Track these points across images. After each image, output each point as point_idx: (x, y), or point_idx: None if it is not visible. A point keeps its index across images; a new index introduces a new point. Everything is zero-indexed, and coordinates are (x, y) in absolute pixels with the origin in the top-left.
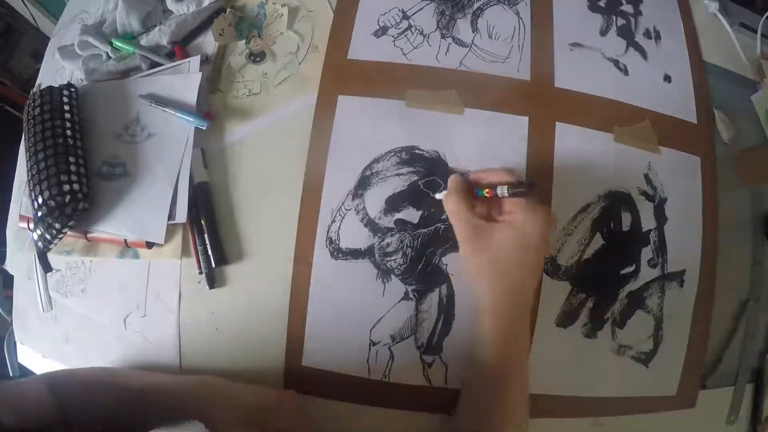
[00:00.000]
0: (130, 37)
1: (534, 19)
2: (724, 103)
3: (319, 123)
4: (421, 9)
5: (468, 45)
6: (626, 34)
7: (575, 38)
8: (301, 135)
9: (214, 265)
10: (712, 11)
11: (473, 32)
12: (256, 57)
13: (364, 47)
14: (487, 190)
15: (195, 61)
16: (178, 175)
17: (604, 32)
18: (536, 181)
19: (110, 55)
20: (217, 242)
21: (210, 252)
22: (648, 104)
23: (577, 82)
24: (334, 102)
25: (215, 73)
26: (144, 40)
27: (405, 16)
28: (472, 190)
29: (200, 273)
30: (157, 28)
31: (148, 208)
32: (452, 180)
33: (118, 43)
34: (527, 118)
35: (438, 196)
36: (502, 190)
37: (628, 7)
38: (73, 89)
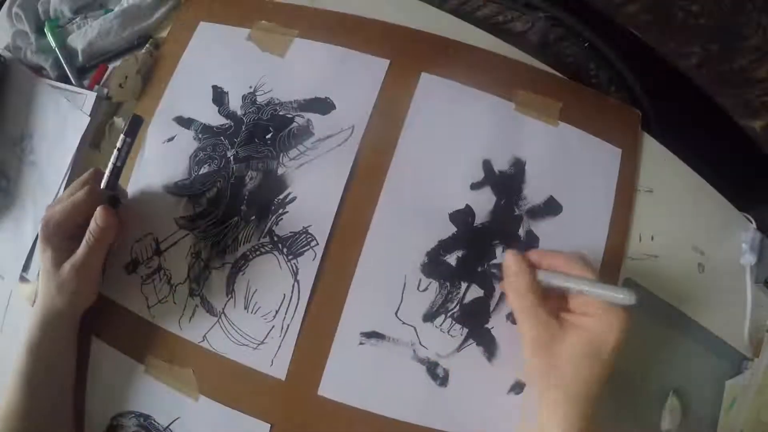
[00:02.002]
0: (56, 23)
1: (317, 286)
2: (687, 380)
3: None
4: (176, 243)
5: (217, 314)
6: (474, 317)
7: (375, 324)
8: None
9: None
10: (743, 263)
11: (227, 295)
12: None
13: (115, 286)
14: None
15: (90, 98)
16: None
17: (431, 314)
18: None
19: (32, 40)
20: None
21: None
22: None
23: (353, 393)
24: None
25: (98, 130)
26: (71, 38)
27: (157, 251)
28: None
29: None
30: (83, 30)
31: (10, 243)
32: (513, 259)
33: (48, 33)
34: (268, 426)
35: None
36: (580, 287)
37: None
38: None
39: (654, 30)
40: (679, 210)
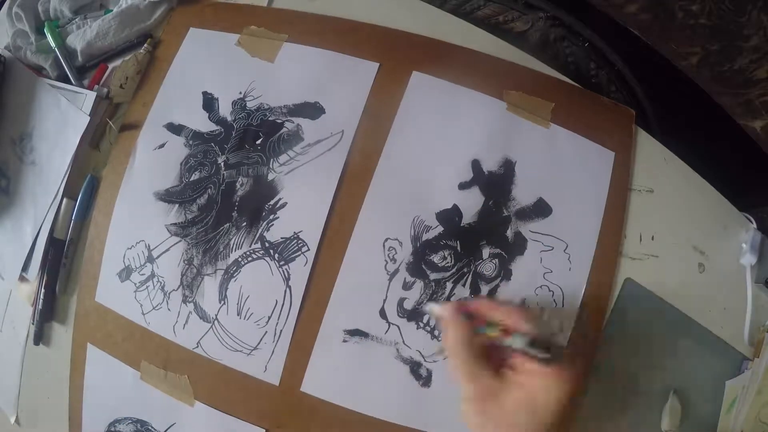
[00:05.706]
0: (56, 24)
1: (308, 291)
2: (687, 380)
3: None
4: (168, 250)
5: (210, 320)
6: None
7: (359, 322)
8: None
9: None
10: (743, 263)
11: (220, 302)
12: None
13: (109, 293)
14: (496, 331)
15: (90, 98)
16: (42, 224)
17: (416, 314)
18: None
19: (32, 40)
20: (49, 305)
21: (40, 307)
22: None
23: (335, 390)
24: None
25: (98, 129)
26: (69, 38)
27: (150, 258)
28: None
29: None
30: (82, 30)
31: (10, 243)
32: (449, 312)
33: (48, 33)
34: (263, 430)
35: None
36: (520, 342)
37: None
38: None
39: (654, 30)
40: (679, 210)
